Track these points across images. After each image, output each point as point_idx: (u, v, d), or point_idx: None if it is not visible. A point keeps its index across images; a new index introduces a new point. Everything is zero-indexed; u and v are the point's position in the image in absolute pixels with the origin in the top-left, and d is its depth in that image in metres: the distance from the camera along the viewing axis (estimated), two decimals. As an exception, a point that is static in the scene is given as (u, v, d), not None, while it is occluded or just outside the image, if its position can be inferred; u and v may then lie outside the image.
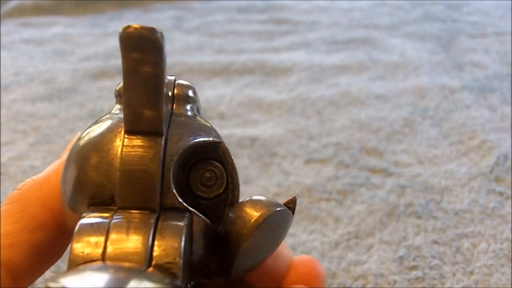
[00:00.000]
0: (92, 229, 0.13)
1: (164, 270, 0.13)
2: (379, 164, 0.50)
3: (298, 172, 0.50)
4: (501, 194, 0.46)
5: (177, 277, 0.13)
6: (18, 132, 0.58)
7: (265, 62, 0.75)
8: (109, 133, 0.15)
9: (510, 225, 0.42)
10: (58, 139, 0.56)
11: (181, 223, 0.14)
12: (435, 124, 0.58)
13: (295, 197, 0.17)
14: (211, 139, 0.16)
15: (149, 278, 0.12)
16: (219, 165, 0.17)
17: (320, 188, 0.47)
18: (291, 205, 0.17)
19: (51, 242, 0.17)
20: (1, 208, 0.17)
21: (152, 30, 0.13)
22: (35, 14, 1.01)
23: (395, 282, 0.37)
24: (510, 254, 0.39)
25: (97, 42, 0.86)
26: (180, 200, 0.15)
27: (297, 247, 0.40)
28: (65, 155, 0.17)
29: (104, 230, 0.13)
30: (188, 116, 0.16)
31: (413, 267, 0.38)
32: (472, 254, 0.39)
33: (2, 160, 0.52)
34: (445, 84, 0.68)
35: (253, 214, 0.15)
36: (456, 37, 0.85)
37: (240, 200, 0.17)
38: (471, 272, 0.38)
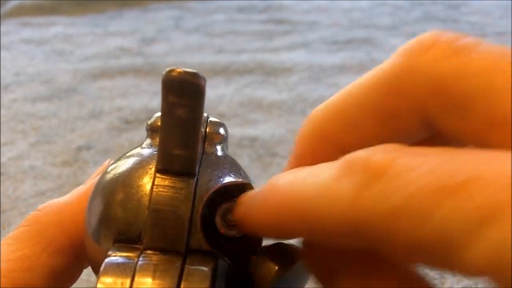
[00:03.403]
0: (119, 269, 0.13)
1: None
2: (379, 164, 0.50)
3: (298, 172, 0.50)
4: (501, 194, 0.46)
5: None
6: (18, 132, 0.58)
7: (265, 62, 0.75)
8: (140, 169, 0.15)
9: (510, 225, 0.42)
10: (58, 139, 0.56)
11: (207, 268, 0.14)
12: (435, 124, 0.58)
13: None
14: (240, 180, 0.16)
15: None
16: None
17: (320, 188, 0.47)
18: None
19: (68, 267, 0.16)
20: (20, 229, 0.16)
21: (195, 75, 0.13)
22: (35, 14, 1.01)
23: (395, 282, 0.37)
24: (510, 254, 0.39)
25: (97, 42, 0.86)
26: (207, 242, 0.15)
27: (297, 247, 0.40)
28: (89, 182, 0.17)
29: (131, 271, 0.13)
30: (218, 156, 0.16)
31: (413, 267, 0.38)
32: (472, 254, 0.40)
33: (2, 160, 0.52)
34: (445, 84, 0.68)
35: (278, 262, 0.15)
36: (456, 37, 0.85)
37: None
38: (471, 272, 0.38)
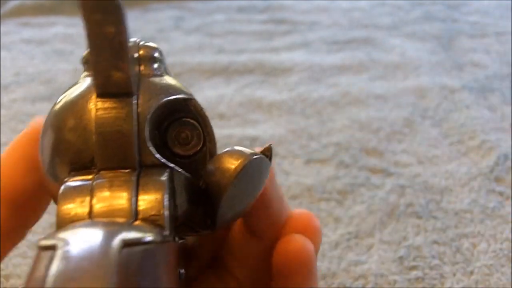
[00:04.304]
0: (76, 190, 0.14)
1: (150, 222, 0.13)
2: (379, 164, 0.50)
3: (298, 172, 0.50)
4: (501, 194, 0.46)
5: (164, 228, 0.13)
6: (18, 132, 0.58)
7: (265, 62, 0.75)
8: (81, 99, 0.15)
9: (510, 225, 0.42)
10: (58, 139, 0.56)
11: (162, 178, 0.14)
12: (435, 124, 0.58)
13: (270, 145, 0.17)
14: (181, 96, 0.16)
15: (138, 229, 0.13)
16: (194, 122, 0.17)
17: (320, 188, 0.47)
18: (267, 153, 0.17)
19: (6, 226, 0.17)
20: None
21: None
22: (35, 14, 1.01)
23: (395, 282, 0.37)
24: (510, 254, 0.39)
25: (97, 42, 0.86)
26: (158, 156, 0.15)
27: (297, 247, 0.40)
28: (12, 144, 0.18)
29: (88, 190, 0.14)
30: (155, 75, 0.17)
31: (413, 267, 0.38)
32: (472, 254, 0.39)
33: (2, 160, 0.52)
34: (445, 84, 0.68)
35: (232, 164, 0.16)
36: (456, 37, 0.85)
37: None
38: (471, 272, 0.38)
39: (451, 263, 0.39)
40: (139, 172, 0.14)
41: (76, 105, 0.15)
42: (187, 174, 0.16)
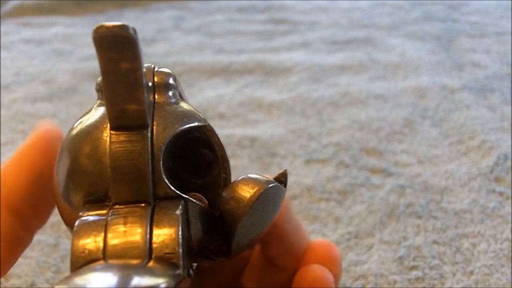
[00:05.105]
0: (90, 228, 0.14)
1: (164, 261, 0.13)
2: (379, 164, 0.50)
3: (298, 172, 0.50)
4: (501, 194, 0.46)
5: (178, 267, 0.13)
6: (18, 132, 0.58)
7: (265, 62, 0.75)
8: (95, 130, 0.15)
9: (510, 225, 0.42)
10: (58, 139, 0.56)
11: (176, 212, 0.14)
12: (435, 124, 0.58)
13: (285, 170, 0.17)
14: (196, 124, 0.16)
15: (151, 273, 0.13)
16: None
17: (320, 188, 0.47)
18: (282, 179, 0.17)
19: (12, 230, 0.17)
20: None
21: (123, 27, 0.13)
22: (35, 14, 1.01)
23: (395, 282, 0.37)
24: (510, 254, 0.39)
25: (97, 42, 0.86)
26: (173, 188, 0.15)
27: (297, 247, 0.40)
28: (16, 155, 0.18)
29: (102, 227, 0.14)
30: (170, 103, 0.17)
31: (413, 267, 0.38)
32: (472, 254, 0.39)
33: (2, 160, 0.52)
34: (445, 84, 0.67)
35: (246, 193, 0.16)
36: (456, 37, 0.85)
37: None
38: (471, 272, 0.38)
39: (451, 263, 0.39)
40: (153, 206, 0.14)
41: (91, 135, 0.15)
42: (201, 204, 0.16)
